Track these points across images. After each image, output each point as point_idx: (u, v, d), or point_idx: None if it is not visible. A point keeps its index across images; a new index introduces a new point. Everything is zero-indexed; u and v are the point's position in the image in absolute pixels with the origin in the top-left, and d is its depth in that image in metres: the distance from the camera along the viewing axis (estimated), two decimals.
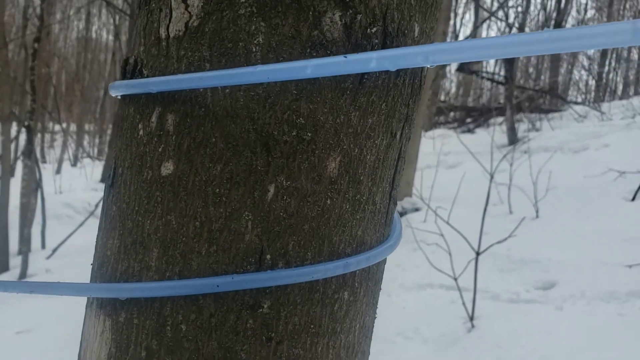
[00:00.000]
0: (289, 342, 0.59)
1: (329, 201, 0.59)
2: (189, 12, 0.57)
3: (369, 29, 0.57)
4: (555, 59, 16.49)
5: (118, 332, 0.61)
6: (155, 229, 0.59)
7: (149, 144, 0.60)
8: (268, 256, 0.58)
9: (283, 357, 0.59)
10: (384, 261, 0.69)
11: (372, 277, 0.66)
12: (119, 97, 0.66)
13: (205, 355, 0.58)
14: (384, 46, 0.58)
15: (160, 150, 0.59)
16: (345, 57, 0.49)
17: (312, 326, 0.60)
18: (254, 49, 0.56)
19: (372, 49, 0.57)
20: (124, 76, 0.63)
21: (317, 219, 0.59)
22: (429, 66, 0.46)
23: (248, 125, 0.56)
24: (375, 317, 0.70)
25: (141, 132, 0.61)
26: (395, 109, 0.62)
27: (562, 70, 17.47)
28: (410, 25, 0.60)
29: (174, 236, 0.58)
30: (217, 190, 0.57)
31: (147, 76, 0.60)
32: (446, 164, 10.08)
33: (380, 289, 0.70)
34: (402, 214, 6.76)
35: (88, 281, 0.67)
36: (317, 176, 0.58)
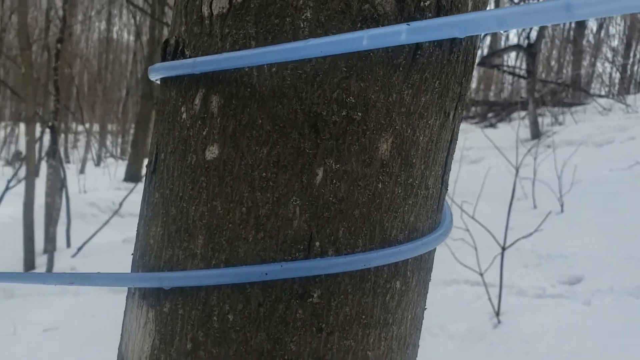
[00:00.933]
0: (340, 333, 0.57)
1: (380, 185, 0.56)
2: None
3: (422, 2, 0.54)
4: (578, 52, 16.22)
5: (162, 324, 0.58)
6: (200, 216, 0.56)
7: (192, 127, 0.57)
8: (317, 243, 0.55)
9: (334, 349, 0.56)
10: (434, 250, 0.66)
11: (424, 266, 0.63)
12: (158, 82, 0.64)
13: (253, 347, 0.55)
14: None
15: (204, 133, 0.56)
16: (409, 24, 0.46)
17: (363, 317, 0.57)
18: (302, 25, 0.53)
19: None
20: (163, 58, 0.61)
21: (368, 204, 0.56)
22: (502, 32, 0.43)
23: (295, 105, 0.54)
24: (425, 309, 0.67)
25: (184, 116, 0.58)
26: (448, 87, 0.58)
27: (585, 62, 17.17)
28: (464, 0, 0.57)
29: (220, 222, 0.55)
30: (264, 174, 0.54)
31: (190, 57, 0.58)
32: (469, 159, 9.97)
33: (430, 279, 0.67)
34: None
35: None
36: (368, 158, 0.55)
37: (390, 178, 0.56)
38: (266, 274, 0.54)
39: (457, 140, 0.64)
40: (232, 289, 0.55)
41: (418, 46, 0.55)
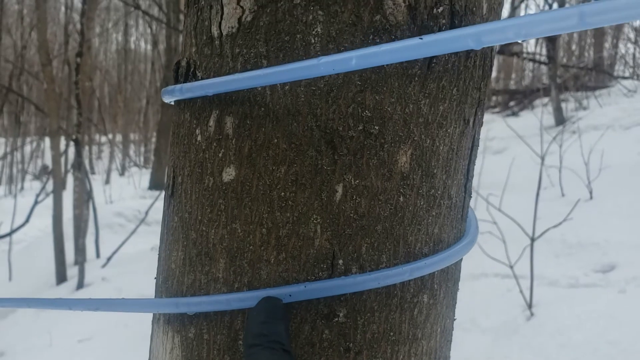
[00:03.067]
0: (369, 352, 0.55)
1: (401, 198, 0.55)
2: (242, 7, 0.54)
3: (435, 9, 0.52)
4: (599, 34, 15.91)
5: (188, 349, 0.58)
6: (220, 239, 0.56)
7: (208, 149, 0.57)
8: (340, 261, 0.54)
9: None
10: (461, 260, 0.64)
11: (451, 277, 0.62)
12: (172, 103, 0.64)
13: None
14: (452, 26, 0.53)
15: (220, 155, 0.56)
16: (421, 38, 0.44)
17: (391, 333, 0.56)
18: (313, 40, 0.52)
19: (440, 30, 0.53)
20: (176, 80, 0.60)
21: (390, 219, 0.54)
22: (520, 41, 0.41)
23: (311, 122, 0.53)
24: (454, 319, 0.65)
25: (199, 138, 0.57)
26: (467, 94, 0.57)
27: (607, 44, 16.81)
28: (478, 2, 0.56)
29: (241, 245, 0.55)
30: (283, 194, 0.54)
31: (202, 78, 0.57)
32: (492, 149, 9.86)
33: (459, 289, 0.65)
34: None
35: (144, 288, 0.64)
36: (387, 172, 0.54)
37: (412, 190, 0.55)
38: (290, 295, 0.53)
39: (478, 145, 0.62)
40: None
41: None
